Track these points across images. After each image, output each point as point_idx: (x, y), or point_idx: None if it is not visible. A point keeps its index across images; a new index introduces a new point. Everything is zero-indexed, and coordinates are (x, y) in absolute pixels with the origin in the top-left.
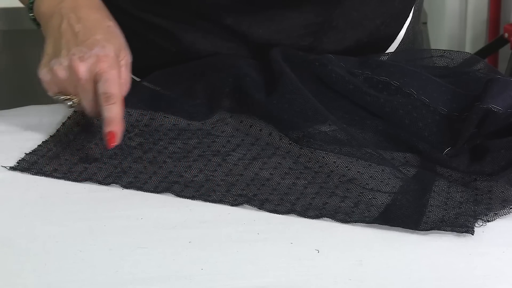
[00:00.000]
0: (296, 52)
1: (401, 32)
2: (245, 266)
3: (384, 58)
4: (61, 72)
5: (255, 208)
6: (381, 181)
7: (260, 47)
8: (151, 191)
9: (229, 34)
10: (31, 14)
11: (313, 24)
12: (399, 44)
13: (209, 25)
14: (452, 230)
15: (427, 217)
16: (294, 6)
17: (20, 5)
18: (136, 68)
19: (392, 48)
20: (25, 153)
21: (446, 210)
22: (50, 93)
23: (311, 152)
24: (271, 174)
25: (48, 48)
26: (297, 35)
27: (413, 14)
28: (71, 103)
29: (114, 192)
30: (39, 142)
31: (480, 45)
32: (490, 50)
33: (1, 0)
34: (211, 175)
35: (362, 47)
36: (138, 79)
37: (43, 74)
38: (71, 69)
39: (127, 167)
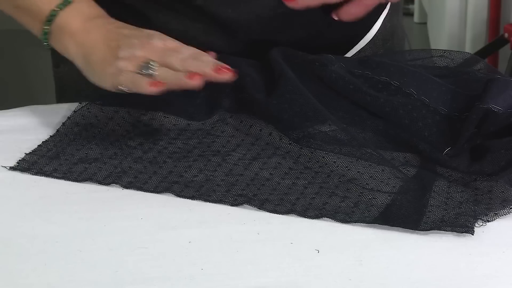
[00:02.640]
0: (296, 52)
1: (377, 22)
2: (245, 266)
3: (384, 58)
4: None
5: (255, 208)
6: (381, 181)
7: (230, 29)
8: (151, 191)
9: (200, 15)
10: (45, 43)
11: (283, 6)
12: (375, 34)
13: (180, 6)
14: (452, 230)
15: (427, 217)
16: None
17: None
18: None
19: (367, 38)
20: (25, 153)
21: (446, 210)
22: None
23: (311, 152)
24: (271, 174)
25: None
26: (267, 17)
27: (391, 7)
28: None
29: (114, 192)
30: (39, 142)
31: (480, 45)
32: (490, 50)
33: None
34: (211, 175)
35: (335, 32)
36: None
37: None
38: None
39: (127, 167)
